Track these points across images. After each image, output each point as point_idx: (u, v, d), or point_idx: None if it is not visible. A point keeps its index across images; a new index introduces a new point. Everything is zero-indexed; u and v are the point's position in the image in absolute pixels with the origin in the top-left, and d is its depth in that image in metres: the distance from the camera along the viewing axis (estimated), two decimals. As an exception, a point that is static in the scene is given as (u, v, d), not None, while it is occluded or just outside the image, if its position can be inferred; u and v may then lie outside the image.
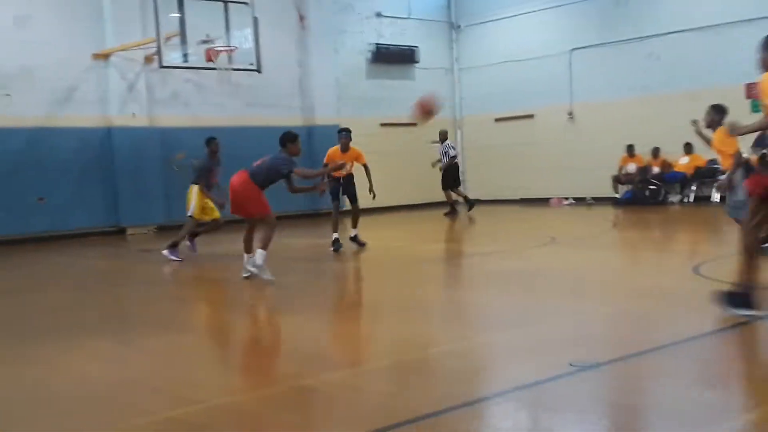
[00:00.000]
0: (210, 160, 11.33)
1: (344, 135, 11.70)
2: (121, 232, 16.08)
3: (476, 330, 6.42)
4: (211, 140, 11.45)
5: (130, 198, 16.00)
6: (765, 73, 5.52)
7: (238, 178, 8.90)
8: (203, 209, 11.38)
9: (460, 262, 11.06)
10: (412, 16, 21.37)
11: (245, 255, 9.03)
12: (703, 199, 17.36)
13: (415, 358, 5.35)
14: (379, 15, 20.74)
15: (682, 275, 8.15)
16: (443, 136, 17.67)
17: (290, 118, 18.72)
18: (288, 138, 9.13)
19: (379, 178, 18.49)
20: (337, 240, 11.57)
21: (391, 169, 19.39)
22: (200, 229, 11.67)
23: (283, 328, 6.78)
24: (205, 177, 11.23)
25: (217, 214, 11.44)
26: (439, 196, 18.98)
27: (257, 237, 8.93)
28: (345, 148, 11.67)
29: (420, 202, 19.75)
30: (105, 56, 15.95)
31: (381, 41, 20.72)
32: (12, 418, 4.47)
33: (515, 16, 20.88)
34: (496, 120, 21.38)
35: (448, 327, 6.54)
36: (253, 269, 8.80)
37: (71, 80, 15.71)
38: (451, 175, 17.66)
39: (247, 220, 9.11)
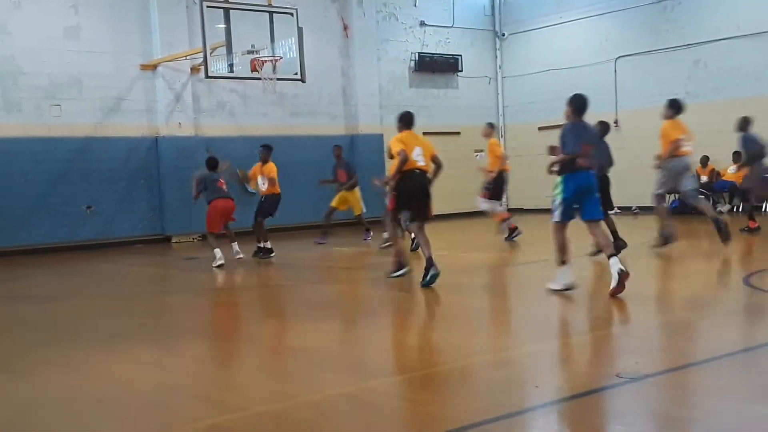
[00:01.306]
0: (338, 163, 14.34)
1: (260, 150, 12.75)
2: (167, 240, 16.27)
3: (521, 339, 6.34)
4: (335, 147, 14.76)
5: (176, 206, 16.18)
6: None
7: (230, 203, 11.83)
8: (343, 202, 14.32)
9: (504, 271, 10.97)
10: (455, 25, 21.34)
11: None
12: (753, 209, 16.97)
13: (459, 366, 5.30)
14: (422, 24, 20.75)
15: (733, 286, 7.98)
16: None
17: (333, 127, 18.83)
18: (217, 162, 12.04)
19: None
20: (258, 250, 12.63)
21: (434, 177, 19.36)
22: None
23: (324, 335, 6.77)
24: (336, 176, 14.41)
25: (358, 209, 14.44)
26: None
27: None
28: (264, 163, 12.63)
29: (464, 211, 19.65)
30: (152, 67, 16.19)
31: (424, 50, 20.73)
32: (54, 421, 4.52)
33: (560, 24, 20.73)
34: (540, 128, 21.20)
35: (492, 336, 6.48)
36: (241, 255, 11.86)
37: (119, 90, 15.97)
38: None
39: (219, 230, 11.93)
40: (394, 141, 8.88)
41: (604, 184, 10.25)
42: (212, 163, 12.01)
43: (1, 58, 14.67)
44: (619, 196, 18.76)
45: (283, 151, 15.58)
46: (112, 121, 15.90)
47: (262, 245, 12.60)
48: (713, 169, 17.70)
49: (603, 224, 7.94)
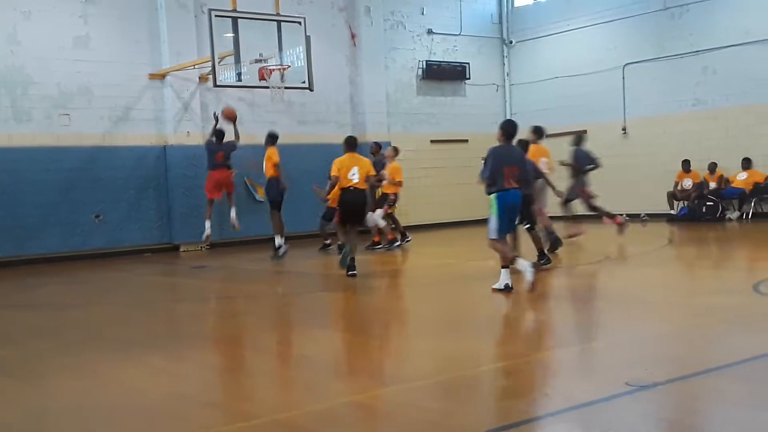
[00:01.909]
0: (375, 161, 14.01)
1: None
2: (175, 248, 16.30)
3: (530, 347, 6.34)
4: (372, 144, 15.65)
5: (184, 215, 16.21)
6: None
7: (224, 173, 14.12)
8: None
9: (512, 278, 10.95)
10: (463, 33, 21.37)
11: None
12: (762, 216, 16.95)
13: (468, 374, 5.30)
14: (430, 32, 20.78)
15: (742, 293, 7.96)
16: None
17: (340, 135, 18.71)
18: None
19: (429, 194, 18.69)
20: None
21: (442, 185, 19.40)
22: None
23: (334, 343, 6.78)
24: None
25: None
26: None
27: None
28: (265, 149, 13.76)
29: (471, 219, 19.67)
30: (161, 76, 16.26)
31: (432, 58, 20.77)
32: (66, 428, 4.54)
33: (567, 31, 20.75)
34: (548, 136, 21.19)
35: (501, 344, 6.48)
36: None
37: (128, 99, 16.03)
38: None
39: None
40: (333, 164, 10.64)
41: (527, 202, 10.59)
42: (218, 134, 14.41)
43: (11, 67, 14.75)
44: (628, 203, 18.88)
45: (290, 159, 15.63)
46: (121, 130, 15.95)
47: (277, 243, 13.32)
48: (722, 176, 17.66)
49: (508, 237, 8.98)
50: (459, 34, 21.30)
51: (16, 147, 14.73)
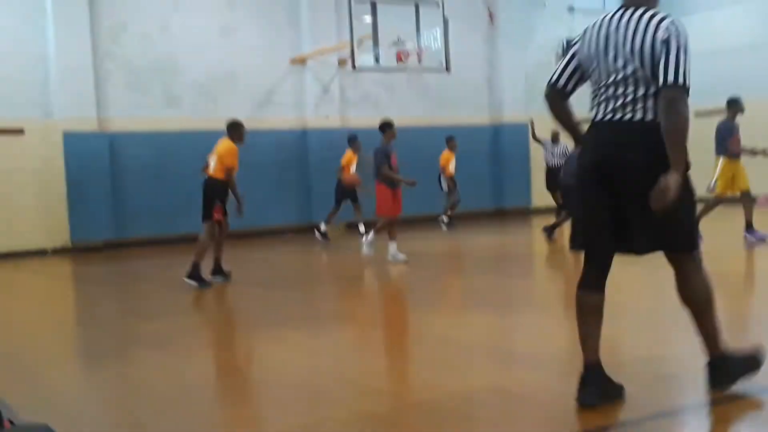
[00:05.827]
0: None
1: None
2: (314, 228, 16.63)
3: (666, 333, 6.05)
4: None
5: (323, 196, 16.51)
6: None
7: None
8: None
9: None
10: (607, 9, 20.63)
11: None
12: None
13: (619, 361, 5.11)
14: (571, 9, 20.19)
15: None
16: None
17: (478, 117, 18.69)
18: None
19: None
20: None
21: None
22: None
23: (476, 326, 6.70)
24: None
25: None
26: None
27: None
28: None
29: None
30: (302, 61, 16.61)
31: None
32: (216, 399, 4.70)
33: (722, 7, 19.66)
34: (698, 115, 20.20)
35: (644, 331, 6.22)
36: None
37: (270, 84, 16.48)
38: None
39: None
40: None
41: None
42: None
43: (162, 55, 15.47)
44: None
45: (426, 142, 15.67)
46: (264, 114, 16.44)
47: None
48: None
49: None
50: (603, 11, 20.59)
51: (167, 131, 15.45)
